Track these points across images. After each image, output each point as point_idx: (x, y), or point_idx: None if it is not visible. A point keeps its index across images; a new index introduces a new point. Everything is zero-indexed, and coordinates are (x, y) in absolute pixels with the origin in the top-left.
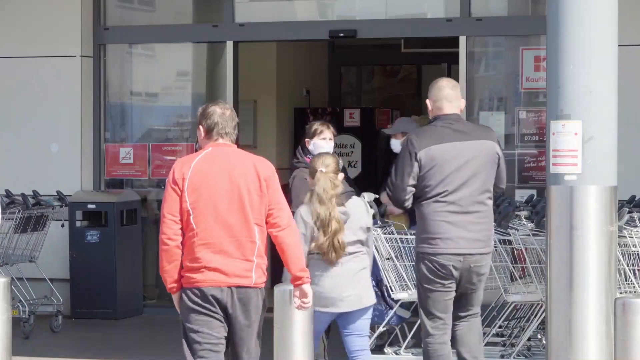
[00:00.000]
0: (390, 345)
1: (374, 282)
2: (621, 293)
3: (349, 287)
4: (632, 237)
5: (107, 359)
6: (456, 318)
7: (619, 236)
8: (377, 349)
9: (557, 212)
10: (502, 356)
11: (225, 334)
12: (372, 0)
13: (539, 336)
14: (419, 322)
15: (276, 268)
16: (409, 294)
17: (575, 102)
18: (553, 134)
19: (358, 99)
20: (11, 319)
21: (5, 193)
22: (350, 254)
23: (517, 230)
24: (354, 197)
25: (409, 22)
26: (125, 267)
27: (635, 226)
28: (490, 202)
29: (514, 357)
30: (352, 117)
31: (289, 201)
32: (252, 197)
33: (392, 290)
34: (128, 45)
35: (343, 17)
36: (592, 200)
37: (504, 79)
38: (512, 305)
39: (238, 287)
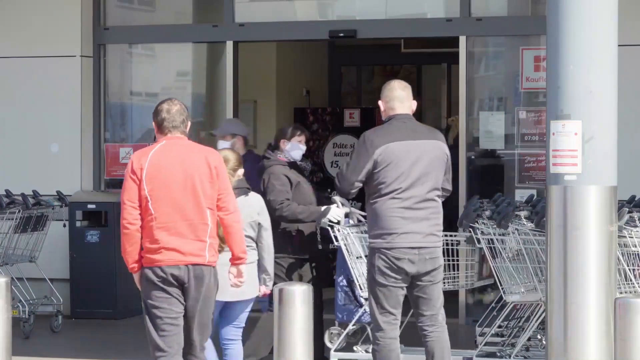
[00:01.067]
0: (363, 343)
1: (344, 280)
2: (621, 293)
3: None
4: (632, 237)
5: (107, 359)
6: (420, 316)
7: (619, 236)
8: (348, 347)
9: (557, 212)
10: (502, 356)
11: (183, 310)
12: (372, 0)
13: (539, 336)
14: None
15: None
16: None
17: (575, 102)
18: (553, 134)
19: (358, 99)
20: (11, 319)
21: (5, 193)
22: None
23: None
24: (251, 194)
25: (409, 22)
26: (125, 267)
27: (635, 226)
28: (440, 199)
29: (513, 357)
30: (352, 117)
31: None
32: (204, 184)
33: (361, 289)
34: (128, 45)
35: (343, 17)
36: (592, 200)
37: (504, 79)
38: (512, 305)
39: (194, 265)
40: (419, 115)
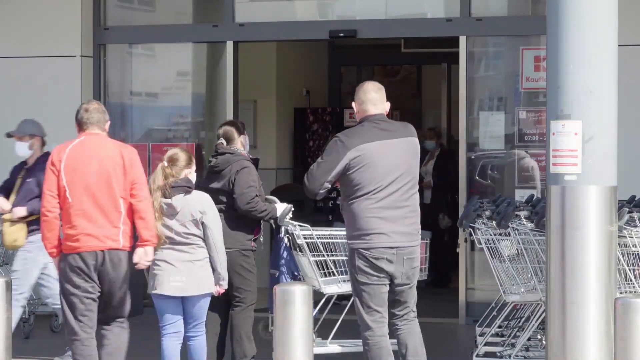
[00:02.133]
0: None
1: (290, 277)
2: (621, 293)
3: (175, 274)
4: (632, 237)
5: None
6: (393, 316)
7: (619, 236)
8: None
9: (557, 212)
10: (502, 356)
11: (98, 293)
12: (372, 0)
13: (539, 336)
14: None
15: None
16: (339, 287)
17: (575, 102)
18: (553, 134)
19: None
20: (11, 319)
21: None
22: (180, 244)
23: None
24: (193, 193)
25: (409, 22)
26: None
27: (635, 226)
28: (417, 196)
29: (513, 357)
30: (352, 117)
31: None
32: (117, 175)
33: (320, 286)
34: (128, 45)
35: (343, 17)
36: (592, 200)
37: (504, 79)
38: (512, 305)
39: (109, 249)
40: (419, 115)
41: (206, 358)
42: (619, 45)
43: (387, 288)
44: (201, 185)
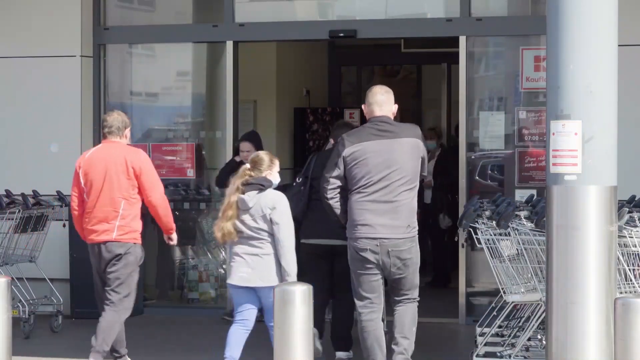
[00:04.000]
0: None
1: None
2: (621, 293)
3: (244, 265)
4: (632, 237)
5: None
6: (394, 302)
7: (619, 236)
8: None
9: (557, 212)
10: (502, 356)
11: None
12: (372, 0)
13: (539, 336)
14: None
15: None
16: None
17: (575, 102)
18: (553, 134)
19: (358, 99)
20: (11, 319)
21: (5, 193)
22: (251, 238)
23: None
24: (267, 191)
25: (409, 22)
26: None
27: (635, 226)
28: (412, 193)
29: (513, 357)
30: (352, 117)
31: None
32: (120, 179)
33: None
34: (128, 45)
35: (343, 17)
36: (592, 200)
37: (504, 79)
38: (512, 305)
39: (105, 242)
40: (419, 115)
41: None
42: (619, 45)
43: (377, 277)
44: None
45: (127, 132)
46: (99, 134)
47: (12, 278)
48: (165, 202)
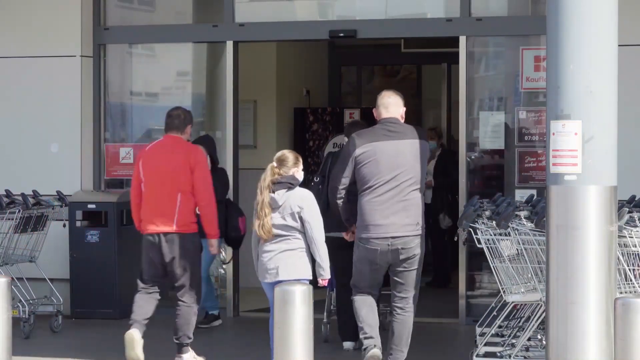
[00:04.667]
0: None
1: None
2: (621, 293)
3: (273, 262)
4: (632, 237)
5: (107, 359)
6: (393, 298)
7: (619, 236)
8: None
9: (557, 212)
10: (502, 356)
11: (161, 264)
12: (372, 0)
13: (539, 336)
14: None
15: None
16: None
17: (575, 102)
18: (553, 134)
19: (358, 99)
20: (11, 319)
21: (5, 193)
22: (280, 235)
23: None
24: (295, 190)
25: (409, 22)
26: (125, 267)
27: (635, 226)
28: (419, 193)
29: (513, 357)
30: (352, 117)
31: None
32: (178, 174)
33: None
34: (128, 45)
35: (343, 17)
36: (592, 200)
37: (504, 79)
38: (512, 305)
39: (164, 232)
40: (419, 115)
41: None
42: (619, 45)
43: (380, 274)
44: None
45: (189, 128)
46: (99, 133)
47: (12, 278)
48: (211, 205)
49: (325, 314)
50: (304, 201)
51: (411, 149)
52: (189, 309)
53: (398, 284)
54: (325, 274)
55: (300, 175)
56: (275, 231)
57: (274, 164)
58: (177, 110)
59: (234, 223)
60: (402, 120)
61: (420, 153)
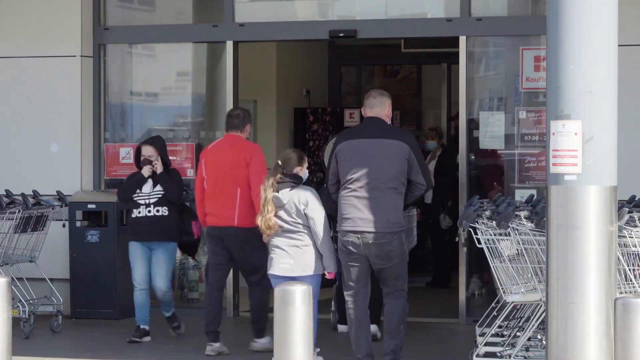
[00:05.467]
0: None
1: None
2: (621, 293)
3: (285, 257)
4: (632, 237)
5: (107, 359)
6: (384, 295)
7: (619, 236)
8: None
9: (557, 212)
10: (502, 356)
11: (227, 258)
12: (372, 0)
13: (539, 336)
14: None
15: None
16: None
17: (575, 102)
18: (553, 134)
19: (358, 99)
20: (11, 319)
21: (5, 193)
22: (289, 231)
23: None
24: (298, 188)
25: (409, 22)
26: (125, 267)
27: (635, 226)
28: (393, 192)
29: (513, 357)
30: (352, 117)
31: None
32: (235, 170)
33: None
34: (128, 45)
35: (343, 17)
36: (592, 200)
37: (504, 79)
38: (512, 305)
39: (225, 226)
40: (419, 115)
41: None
42: (619, 45)
43: (361, 267)
44: None
45: (248, 127)
46: (99, 133)
47: (12, 278)
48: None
49: (333, 303)
50: (307, 198)
51: (387, 149)
52: (258, 295)
53: (380, 278)
54: (331, 268)
55: (304, 173)
56: (285, 226)
57: (279, 162)
58: (236, 110)
59: (187, 227)
60: (388, 120)
61: (396, 153)
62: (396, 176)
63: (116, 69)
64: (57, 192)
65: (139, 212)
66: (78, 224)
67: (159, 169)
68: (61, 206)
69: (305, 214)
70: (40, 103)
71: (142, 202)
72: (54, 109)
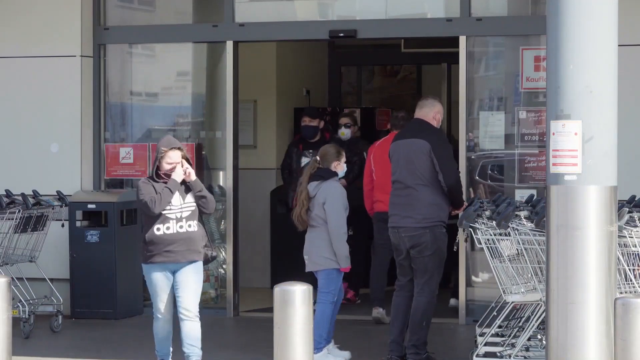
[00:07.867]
0: None
1: None
2: (621, 293)
3: (306, 251)
4: (632, 237)
5: (107, 359)
6: (415, 290)
7: (619, 236)
8: None
9: (557, 212)
10: (502, 356)
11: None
12: (372, 0)
13: (539, 336)
14: None
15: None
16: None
17: (575, 102)
18: (553, 134)
19: (358, 99)
20: (11, 319)
21: (5, 193)
22: (313, 225)
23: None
24: (325, 183)
25: (409, 22)
26: (125, 267)
27: (635, 226)
28: (426, 188)
29: (513, 357)
30: None
31: None
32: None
33: None
34: (128, 45)
35: (343, 17)
36: (592, 200)
37: (504, 79)
38: (512, 305)
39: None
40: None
41: (330, 324)
42: (619, 45)
43: (404, 261)
44: None
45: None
46: (99, 133)
47: (12, 278)
48: None
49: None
50: (328, 194)
51: (413, 148)
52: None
53: (414, 270)
54: (342, 263)
55: (340, 168)
56: (310, 221)
57: (317, 158)
58: (402, 112)
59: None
60: (435, 122)
61: (420, 152)
62: (424, 173)
63: (116, 69)
64: (57, 192)
65: (167, 229)
66: (78, 224)
67: (192, 175)
68: (61, 206)
69: (324, 208)
70: (40, 103)
71: (172, 216)
72: (54, 108)
